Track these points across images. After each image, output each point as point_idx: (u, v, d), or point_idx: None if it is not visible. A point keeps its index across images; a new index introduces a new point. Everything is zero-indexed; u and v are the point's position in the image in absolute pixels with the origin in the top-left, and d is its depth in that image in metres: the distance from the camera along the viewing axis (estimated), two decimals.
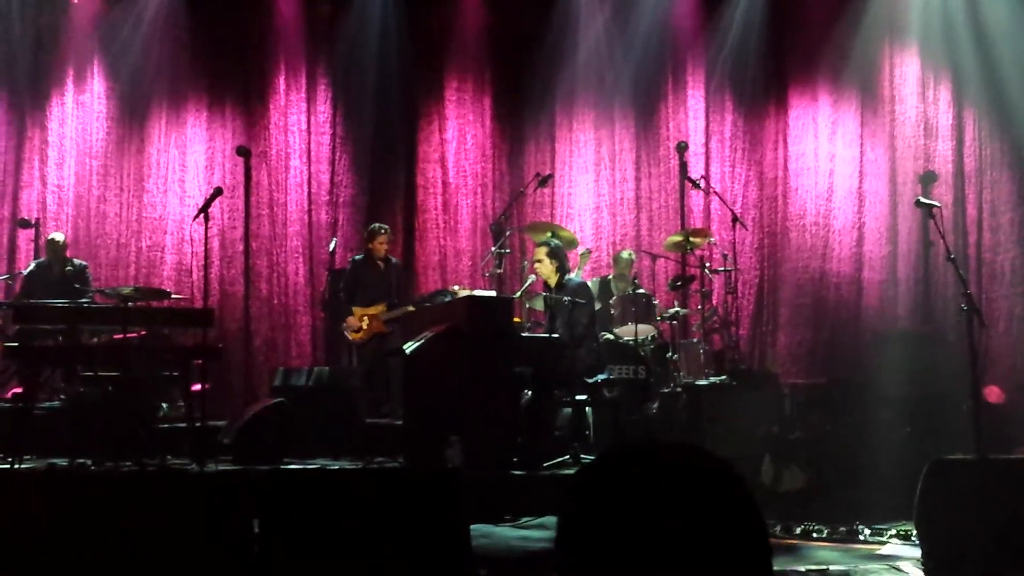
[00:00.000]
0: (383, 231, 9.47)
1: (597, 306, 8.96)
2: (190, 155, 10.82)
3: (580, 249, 9.87)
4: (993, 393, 8.91)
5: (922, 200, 6.51)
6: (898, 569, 5.27)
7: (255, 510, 4.90)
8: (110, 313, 7.48)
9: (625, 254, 9.79)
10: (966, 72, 9.78)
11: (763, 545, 1.15)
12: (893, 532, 5.99)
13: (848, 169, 10.55)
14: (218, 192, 8.12)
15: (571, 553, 1.16)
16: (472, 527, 5.34)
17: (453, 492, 4.93)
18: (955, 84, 9.99)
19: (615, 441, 7.69)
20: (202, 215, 7.47)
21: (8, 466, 6.48)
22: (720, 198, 10.14)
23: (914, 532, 5.55)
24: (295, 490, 4.95)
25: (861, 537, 6.00)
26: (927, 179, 9.89)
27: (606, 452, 1.23)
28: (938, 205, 6.52)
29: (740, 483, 1.17)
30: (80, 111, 10.66)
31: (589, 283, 9.21)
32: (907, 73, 10.27)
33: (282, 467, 7.04)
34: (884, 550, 5.73)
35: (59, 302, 7.92)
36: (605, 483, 1.18)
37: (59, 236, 9.41)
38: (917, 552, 5.38)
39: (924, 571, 5.00)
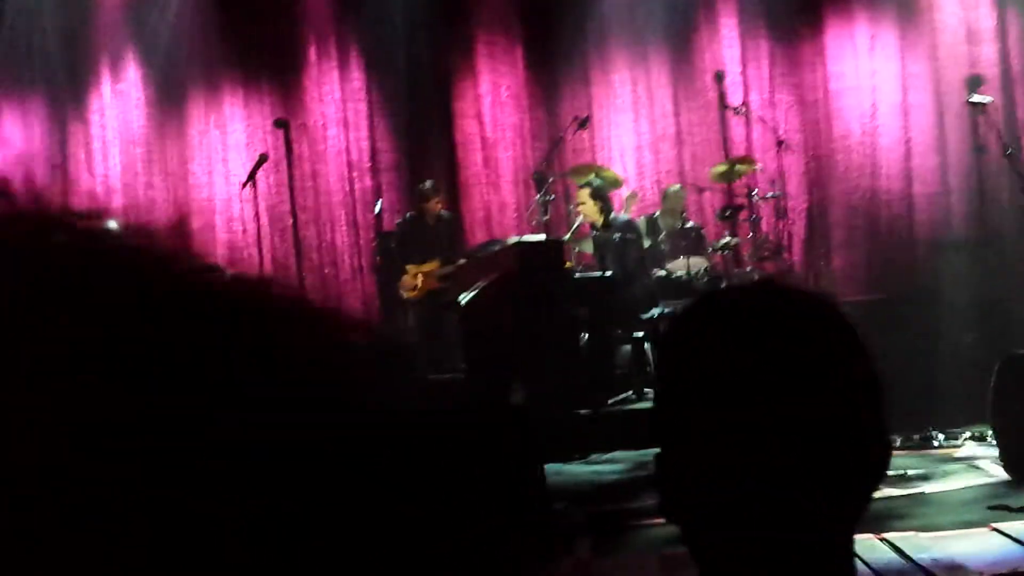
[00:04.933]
0: (436, 191, 9.51)
1: (646, 243, 8.93)
2: (230, 134, 10.89)
3: (625, 192, 9.81)
4: None
5: (974, 99, 6.37)
6: (977, 467, 5.24)
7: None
8: None
9: (675, 189, 9.72)
10: None
11: (872, 377, 1.11)
12: (967, 435, 5.95)
13: (890, 84, 10.36)
14: (263, 159, 8.18)
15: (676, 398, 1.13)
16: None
17: (523, 428, 4.98)
18: None
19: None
20: (250, 184, 7.54)
21: None
22: (763, 123, 10.01)
23: (989, 433, 5.51)
24: (369, 440, 5.02)
25: (935, 443, 5.97)
26: (974, 83, 9.62)
27: (701, 297, 1.19)
28: (990, 100, 6.39)
29: (840, 315, 1.14)
30: (118, 100, 10.76)
31: (635, 221, 9.19)
32: None
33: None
34: (960, 452, 5.69)
35: None
36: (704, 322, 1.14)
37: (113, 225, 9.54)
38: (994, 452, 5.34)
39: (1003, 467, 4.96)
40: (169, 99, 10.83)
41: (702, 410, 1.07)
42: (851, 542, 1.09)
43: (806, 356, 1.06)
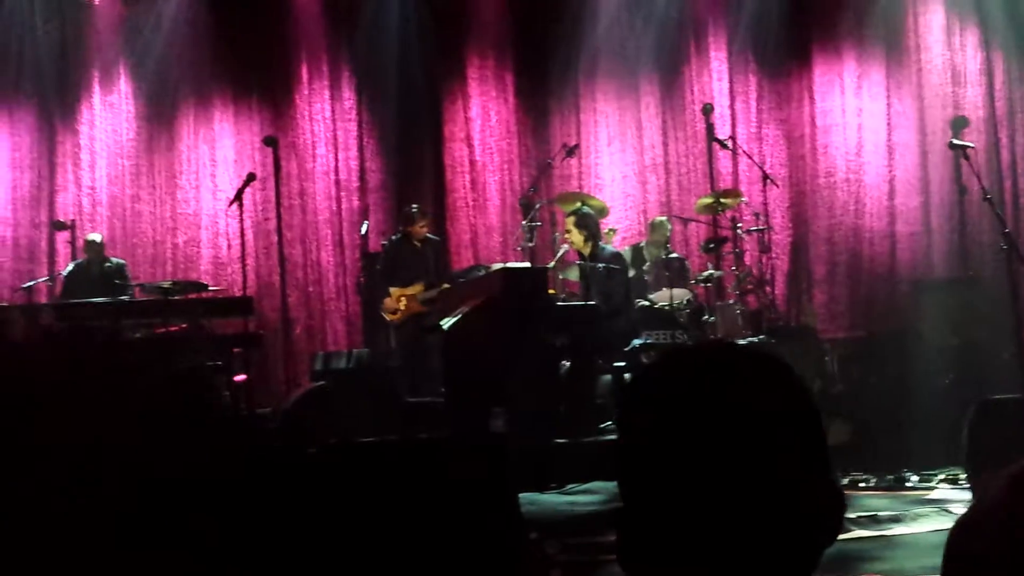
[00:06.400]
0: (423, 214, 9.45)
1: (631, 273, 8.96)
2: (219, 149, 10.91)
3: (606, 228, 9.84)
4: None
5: (955, 142, 6.46)
6: (948, 511, 5.27)
7: (308, 488, 4.98)
8: (151, 307, 7.59)
9: (660, 219, 9.78)
10: (992, 15, 9.67)
11: (817, 432, 1.17)
12: (941, 477, 5.98)
13: (876, 123, 10.49)
14: (251, 178, 8.20)
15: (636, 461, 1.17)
16: (519, 495, 5.39)
17: (499, 458, 4.98)
18: (982, 28, 9.89)
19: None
20: (237, 203, 7.55)
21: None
22: (749, 157, 10.10)
23: (962, 476, 5.55)
24: (347, 466, 5.01)
25: (909, 484, 6.00)
26: (958, 124, 9.77)
27: (659, 357, 1.24)
28: (972, 146, 6.47)
29: (787, 369, 1.19)
30: (109, 112, 10.77)
31: (621, 252, 9.23)
32: (932, 21, 10.17)
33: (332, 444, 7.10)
34: (933, 495, 5.72)
35: (100, 300, 8.03)
36: (661, 384, 1.19)
37: (97, 237, 9.54)
38: (966, 495, 5.38)
39: None
40: (159, 113, 10.85)
41: (660, 467, 1.12)
42: None
43: (757, 415, 1.11)
